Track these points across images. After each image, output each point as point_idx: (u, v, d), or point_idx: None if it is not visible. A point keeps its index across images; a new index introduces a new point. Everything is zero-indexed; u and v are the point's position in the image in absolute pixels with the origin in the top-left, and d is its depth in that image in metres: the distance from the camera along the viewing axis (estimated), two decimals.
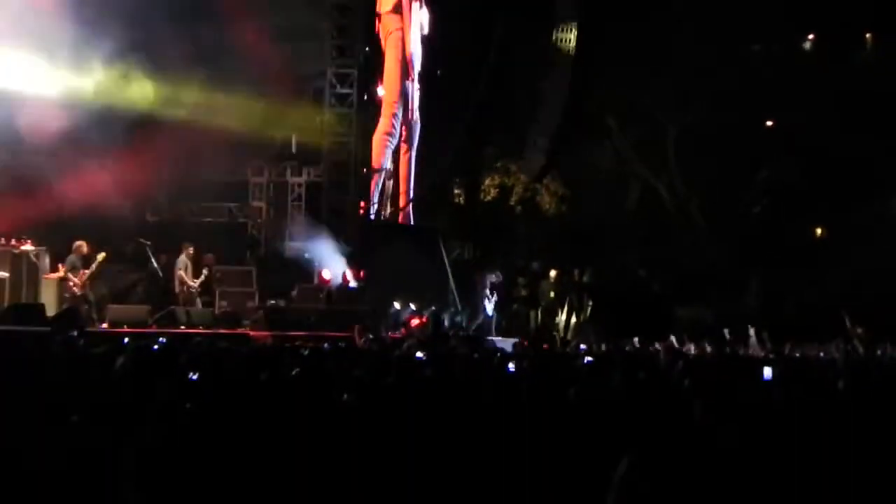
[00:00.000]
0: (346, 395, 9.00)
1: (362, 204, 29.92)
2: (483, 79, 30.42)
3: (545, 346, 21.68)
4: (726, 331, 23.51)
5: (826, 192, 32.82)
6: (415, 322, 26.58)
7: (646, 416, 8.07)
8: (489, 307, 28.60)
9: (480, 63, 30.75)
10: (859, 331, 25.57)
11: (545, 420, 7.81)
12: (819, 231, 35.42)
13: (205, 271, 26.30)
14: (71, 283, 24.36)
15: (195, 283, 25.97)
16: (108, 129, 25.12)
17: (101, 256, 24.68)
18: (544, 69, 31.12)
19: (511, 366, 12.57)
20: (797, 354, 19.84)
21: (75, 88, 25.14)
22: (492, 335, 26.82)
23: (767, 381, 11.30)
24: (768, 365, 12.81)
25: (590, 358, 14.64)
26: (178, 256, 26.18)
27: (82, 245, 24.69)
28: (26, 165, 24.33)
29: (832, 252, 33.30)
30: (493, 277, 28.94)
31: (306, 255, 27.98)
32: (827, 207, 33.43)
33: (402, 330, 25.95)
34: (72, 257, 24.63)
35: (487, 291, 28.69)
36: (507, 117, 32.87)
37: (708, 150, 33.14)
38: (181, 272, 25.95)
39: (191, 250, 26.22)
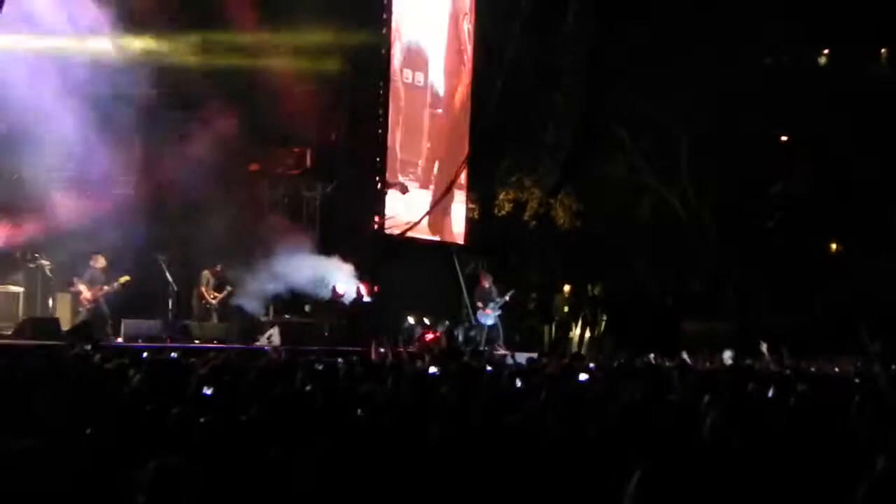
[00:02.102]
0: (359, 411, 9.02)
1: (377, 218, 29.85)
2: (496, 93, 30.42)
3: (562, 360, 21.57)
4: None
5: (840, 206, 32.76)
6: (429, 337, 26.57)
7: (657, 430, 8.07)
8: (489, 320, 28.39)
9: (493, 77, 30.76)
10: (877, 347, 25.47)
11: (556, 434, 7.81)
12: (833, 245, 35.36)
13: (228, 287, 26.33)
14: (84, 296, 24.43)
15: (214, 300, 26.03)
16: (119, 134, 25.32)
17: (123, 280, 24.75)
18: (557, 82, 31.14)
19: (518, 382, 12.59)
20: (812, 369, 19.77)
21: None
22: (501, 348, 26.64)
23: (771, 399, 11.31)
24: (781, 381, 12.80)
25: (585, 376, 14.55)
26: (200, 271, 26.26)
27: (100, 258, 24.76)
28: (38, 178, 24.37)
29: (846, 266, 33.23)
30: (486, 282, 28.66)
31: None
32: (841, 221, 33.37)
33: (416, 345, 25.95)
34: (90, 270, 24.70)
35: (496, 300, 28.40)
36: (521, 131, 32.87)
37: (721, 163, 33.11)
38: (202, 288, 26.02)
39: (217, 267, 26.27)
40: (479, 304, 28.12)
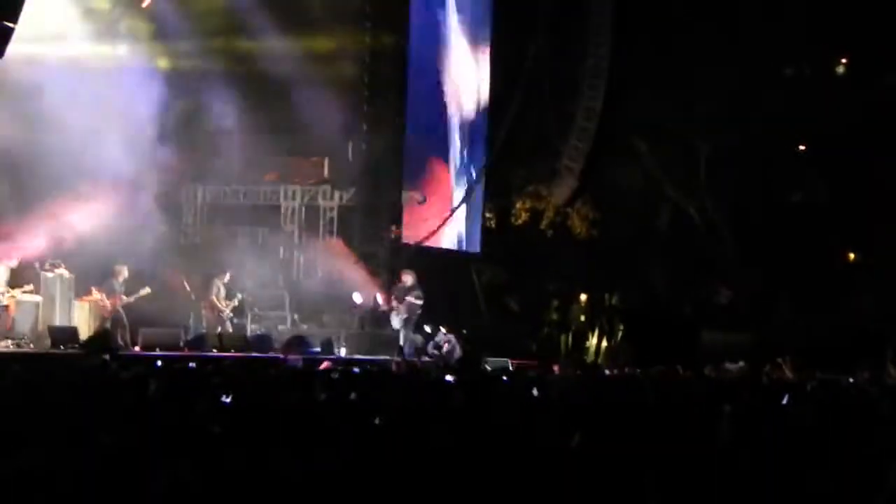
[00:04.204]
0: (377, 419, 9.03)
1: (394, 228, 29.90)
2: (514, 101, 30.43)
3: (577, 371, 21.57)
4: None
5: (859, 215, 32.64)
6: (446, 347, 26.52)
7: (672, 439, 8.07)
8: (396, 321, 27.10)
9: (511, 85, 30.78)
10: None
11: (570, 444, 7.82)
12: (852, 255, 35.23)
13: (239, 295, 26.35)
14: (103, 305, 24.53)
15: (227, 308, 26.06)
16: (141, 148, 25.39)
17: (144, 291, 24.80)
18: (575, 91, 31.10)
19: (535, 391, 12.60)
20: (827, 379, 19.71)
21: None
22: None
23: (786, 407, 11.32)
24: (795, 390, 12.81)
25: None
26: (213, 280, 26.28)
27: (123, 269, 24.84)
28: (57, 188, 24.44)
29: (865, 276, 33.11)
30: (408, 279, 27.35)
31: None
32: (860, 230, 33.25)
33: (435, 352, 25.98)
34: (110, 280, 24.79)
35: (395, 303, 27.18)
36: (538, 140, 32.84)
37: (739, 172, 33.04)
38: (214, 297, 26.03)
39: (226, 276, 26.29)
40: (395, 303, 27.48)
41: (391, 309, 26.97)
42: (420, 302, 26.86)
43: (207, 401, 9.97)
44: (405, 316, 26.75)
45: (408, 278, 27.13)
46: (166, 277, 26.12)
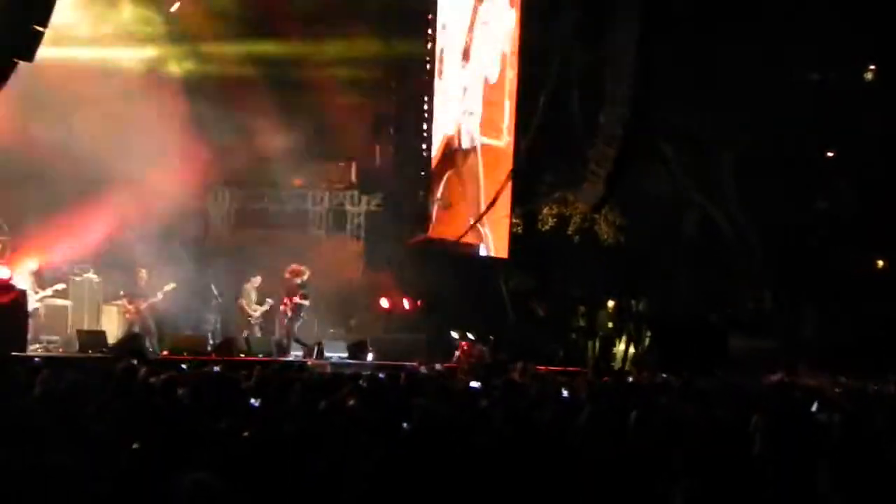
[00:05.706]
0: (405, 425, 9.03)
1: (420, 233, 29.90)
2: (540, 108, 30.40)
3: (605, 377, 21.48)
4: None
5: (886, 223, 32.50)
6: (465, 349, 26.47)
7: (704, 446, 8.06)
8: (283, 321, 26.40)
9: (538, 91, 30.76)
10: None
11: (603, 447, 7.81)
12: (880, 262, 35.08)
13: (269, 301, 26.30)
14: (126, 312, 24.66)
15: (254, 313, 26.07)
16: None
17: (169, 287, 24.90)
18: (602, 97, 31.07)
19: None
20: (853, 386, 19.64)
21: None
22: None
23: (815, 414, 11.30)
24: (823, 397, 12.77)
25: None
26: (243, 285, 26.32)
27: (142, 272, 24.95)
28: (86, 192, 24.52)
29: (892, 283, 32.97)
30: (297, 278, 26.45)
31: None
32: (887, 238, 33.11)
33: (459, 356, 25.91)
34: (134, 284, 24.92)
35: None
36: (566, 146, 32.80)
37: (766, 179, 32.93)
38: (242, 301, 26.07)
39: (257, 280, 26.29)
40: (285, 301, 26.28)
41: (284, 308, 26.33)
42: (306, 302, 26.19)
43: (236, 406, 10.00)
44: (290, 315, 26.15)
45: (297, 277, 26.54)
46: (193, 282, 26.19)
